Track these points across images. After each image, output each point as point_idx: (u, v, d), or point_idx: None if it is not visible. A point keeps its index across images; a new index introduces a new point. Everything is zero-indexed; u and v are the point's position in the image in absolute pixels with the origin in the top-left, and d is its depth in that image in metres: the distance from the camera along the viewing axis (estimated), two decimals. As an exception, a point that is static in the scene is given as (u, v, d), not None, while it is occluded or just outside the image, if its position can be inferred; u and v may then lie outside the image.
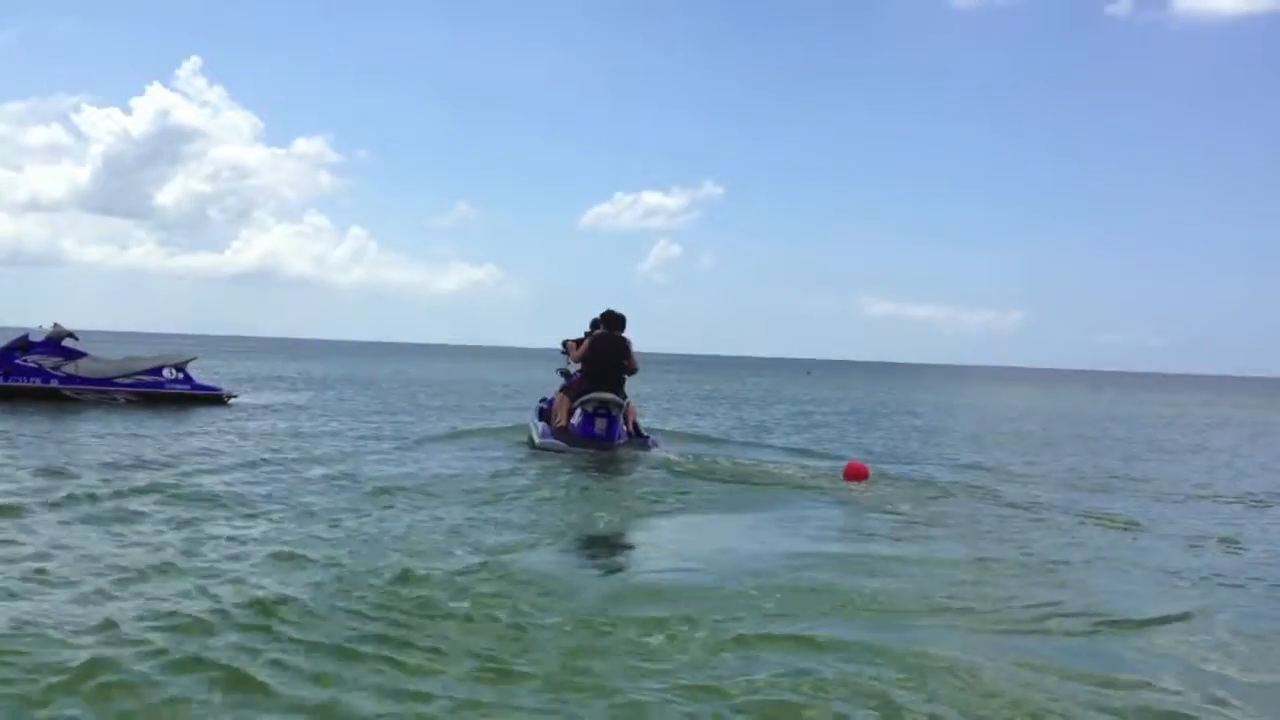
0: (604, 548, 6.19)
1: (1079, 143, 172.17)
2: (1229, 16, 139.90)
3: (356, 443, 11.37)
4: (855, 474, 9.68)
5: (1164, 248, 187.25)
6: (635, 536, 6.64)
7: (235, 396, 16.47)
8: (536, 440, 10.96)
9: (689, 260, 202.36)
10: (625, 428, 10.84)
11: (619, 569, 5.55)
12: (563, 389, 11.37)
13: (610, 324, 10.95)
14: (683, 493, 8.17)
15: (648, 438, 11.00)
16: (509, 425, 13.71)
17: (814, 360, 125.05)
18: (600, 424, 10.49)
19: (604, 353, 10.76)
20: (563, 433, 10.69)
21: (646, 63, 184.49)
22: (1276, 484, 11.09)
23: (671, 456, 10.24)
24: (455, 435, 12.73)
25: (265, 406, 16.57)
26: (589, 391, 10.59)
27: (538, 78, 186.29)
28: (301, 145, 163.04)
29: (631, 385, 11.28)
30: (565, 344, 11.93)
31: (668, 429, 14.18)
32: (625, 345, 10.89)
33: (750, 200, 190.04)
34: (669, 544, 6.28)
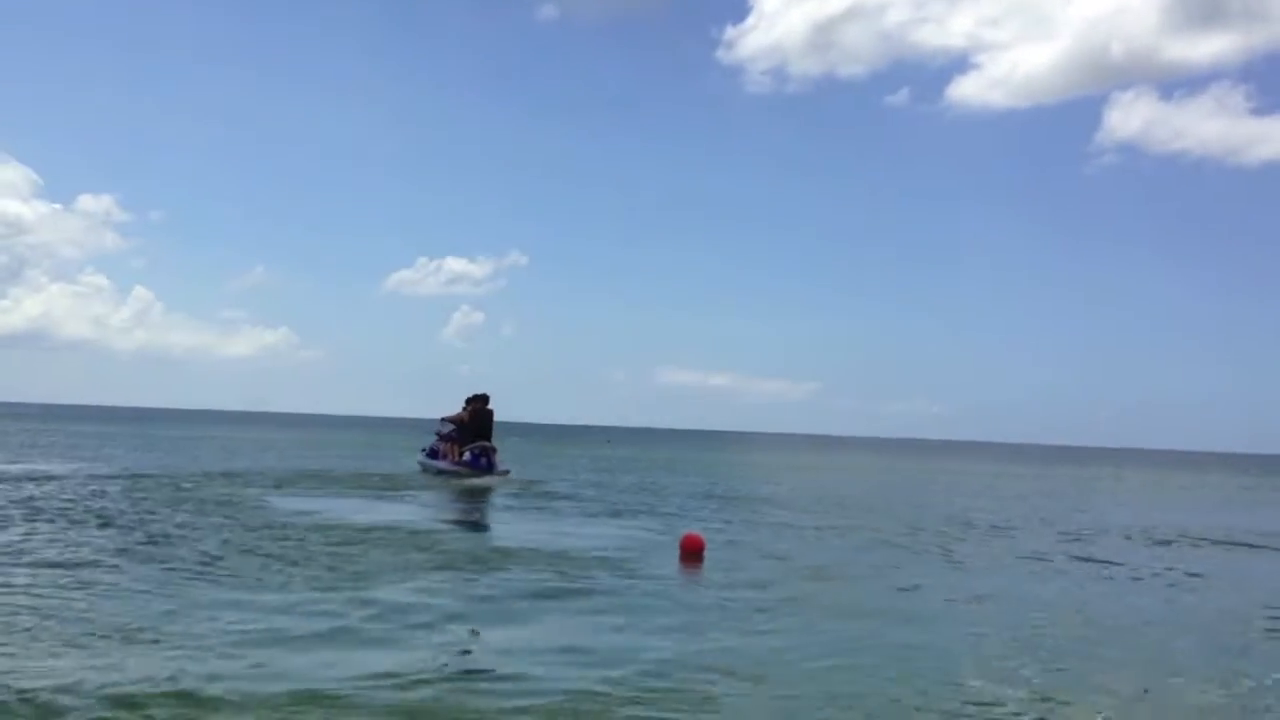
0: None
1: (866, 222, 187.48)
2: (997, 110, 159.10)
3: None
4: (692, 547, 9.17)
5: (941, 321, 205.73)
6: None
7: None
8: (440, 467, 19.51)
9: (491, 328, 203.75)
10: (493, 460, 19.14)
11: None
12: (447, 439, 19.64)
13: (484, 401, 19.46)
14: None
15: (507, 470, 19.43)
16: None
17: (613, 429, 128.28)
18: (483, 460, 19.05)
19: (481, 417, 19.38)
20: (460, 463, 19.00)
21: (459, 130, 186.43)
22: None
23: (513, 477, 19.07)
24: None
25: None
26: (474, 441, 19.12)
27: (346, 139, 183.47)
28: (86, 202, 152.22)
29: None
30: (446, 418, 19.78)
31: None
32: (491, 413, 19.45)
33: (554, 270, 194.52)
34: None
